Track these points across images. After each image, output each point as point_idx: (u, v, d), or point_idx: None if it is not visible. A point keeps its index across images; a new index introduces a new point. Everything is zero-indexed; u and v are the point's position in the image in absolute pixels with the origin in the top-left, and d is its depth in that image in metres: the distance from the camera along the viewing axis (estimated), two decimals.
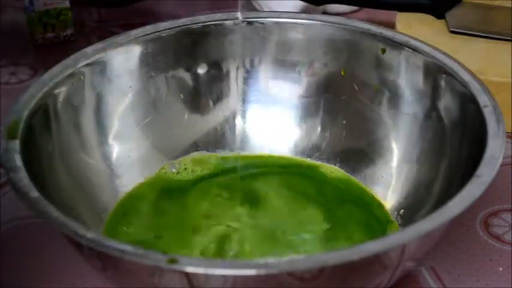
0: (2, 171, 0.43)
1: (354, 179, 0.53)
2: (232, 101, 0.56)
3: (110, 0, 0.78)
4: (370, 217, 0.50)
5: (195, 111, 0.56)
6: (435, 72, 0.51)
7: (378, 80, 0.54)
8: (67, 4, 0.71)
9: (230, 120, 0.56)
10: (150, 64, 0.54)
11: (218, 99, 0.56)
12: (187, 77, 0.55)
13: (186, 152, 0.55)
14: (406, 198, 0.51)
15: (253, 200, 0.52)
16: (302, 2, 0.70)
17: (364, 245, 0.37)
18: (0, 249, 0.50)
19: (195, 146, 0.55)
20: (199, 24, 0.55)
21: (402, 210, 0.50)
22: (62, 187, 0.47)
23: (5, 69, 0.69)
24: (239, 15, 0.55)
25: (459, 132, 0.48)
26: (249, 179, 0.54)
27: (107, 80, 0.52)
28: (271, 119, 0.56)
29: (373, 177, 0.53)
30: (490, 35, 0.65)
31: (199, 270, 0.36)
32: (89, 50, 0.52)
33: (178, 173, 0.54)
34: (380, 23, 0.54)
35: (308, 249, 0.48)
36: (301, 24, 0.55)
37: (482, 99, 0.47)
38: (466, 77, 0.49)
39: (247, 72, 0.56)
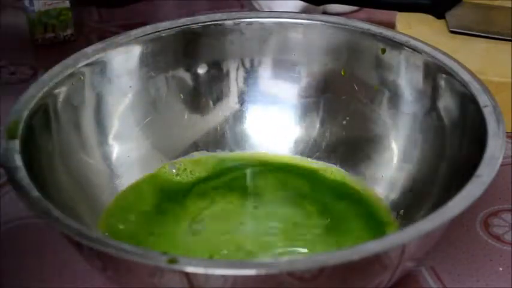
0: (2, 171, 0.43)
1: (353, 179, 0.53)
2: (232, 101, 0.56)
3: (110, 0, 0.78)
4: (369, 216, 0.50)
5: (195, 111, 0.56)
6: (435, 72, 0.51)
7: (378, 80, 0.54)
8: (67, 4, 0.71)
9: (230, 120, 0.56)
10: (150, 64, 0.54)
11: (218, 99, 0.56)
12: (187, 77, 0.55)
13: (186, 152, 0.55)
14: (406, 198, 0.51)
15: (253, 200, 0.52)
16: (302, 2, 0.70)
17: (364, 245, 0.37)
18: (0, 249, 0.50)
19: (195, 146, 0.55)
20: (199, 24, 0.55)
21: (402, 210, 0.50)
22: (62, 187, 0.47)
23: (5, 69, 0.69)
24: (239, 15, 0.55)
25: (459, 132, 0.48)
26: (249, 179, 0.54)
27: (107, 80, 0.52)
28: (271, 119, 0.56)
29: (373, 177, 0.53)
30: (490, 35, 0.65)
31: (199, 270, 0.36)
32: (89, 50, 0.52)
33: (177, 174, 0.54)
34: (380, 23, 0.54)
35: (310, 247, 0.48)
36: (301, 24, 0.55)
37: (482, 99, 0.47)
38: (466, 77, 0.49)
39: (247, 72, 0.56)
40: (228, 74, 0.56)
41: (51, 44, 0.72)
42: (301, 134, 0.56)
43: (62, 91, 0.49)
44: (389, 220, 0.50)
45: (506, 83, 0.60)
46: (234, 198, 0.52)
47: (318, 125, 0.56)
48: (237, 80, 0.56)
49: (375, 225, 0.50)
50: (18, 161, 0.43)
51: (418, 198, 0.50)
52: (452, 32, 0.65)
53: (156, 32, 0.54)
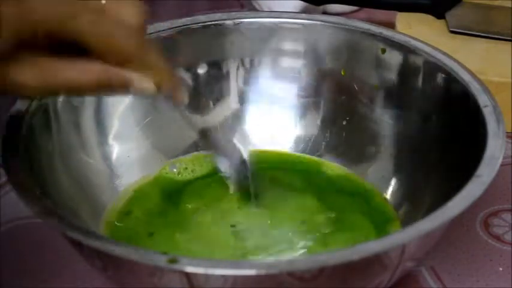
0: (2, 171, 0.43)
1: (354, 177, 0.53)
2: (232, 101, 0.56)
3: None
4: (375, 212, 0.50)
5: (195, 111, 0.56)
6: (435, 72, 0.51)
7: (378, 80, 0.54)
8: None
9: (230, 120, 0.56)
10: None
11: (218, 99, 0.56)
12: (187, 77, 0.55)
13: (186, 151, 0.55)
14: (406, 198, 0.51)
15: (254, 199, 0.52)
16: (302, 2, 0.70)
17: (364, 245, 0.37)
18: (0, 249, 0.50)
19: (195, 146, 0.55)
20: (199, 24, 0.55)
21: (402, 210, 0.50)
22: (62, 187, 0.47)
23: None
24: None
25: (459, 132, 0.48)
26: (250, 178, 0.54)
27: None
28: (271, 119, 0.56)
29: (374, 177, 0.53)
30: (490, 35, 0.65)
31: (199, 270, 0.36)
32: None
33: (179, 173, 0.54)
34: (380, 23, 0.54)
35: (312, 246, 0.48)
36: (301, 24, 0.55)
37: (482, 99, 0.47)
38: (466, 77, 0.49)
39: (247, 72, 0.56)
40: (228, 74, 0.56)
41: None
42: (301, 134, 0.56)
43: None
44: (394, 217, 0.50)
45: (506, 83, 0.60)
46: (235, 197, 0.52)
47: (318, 125, 0.56)
48: (237, 80, 0.56)
49: (382, 222, 0.50)
50: (18, 161, 0.43)
51: (418, 198, 0.50)
52: (452, 32, 0.65)
53: (156, 32, 0.54)
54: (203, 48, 0.55)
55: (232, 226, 0.49)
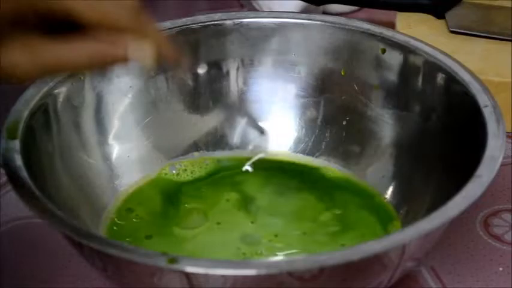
0: (2, 171, 0.43)
1: (354, 177, 0.53)
2: (232, 101, 0.56)
3: None
4: (378, 211, 0.50)
5: (195, 111, 0.56)
6: (435, 72, 0.51)
7: (378, 80, 0.54)
8: None
9: (230, 120, 0.56)
10: None
11: (218, 99, 0.56)
12: (187, 77, 0.55)
13: (186, 152, 0.55)
14: (406, 198, 0.51)
15: (255, 201, 0.52)
16: (302, 2, 0.70)
17: (364, 245, 0.37)
18: (0, 249, 0.50)
19: (195, 146, 0.55)
20: (199, 24, 0.55)
21: (402, 210, 0.50)
22: (62, 187, 0.47)
23: None
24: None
25: (459, 133, 0.48)
26: (249, 179, 0.54)
27: (107, 80, 0.52)
28: (270, 119, 0.56)
29: (373, 177, 0.53)
30: (490, 35, 0.65)
31: (199, 270, 0.36)
32: None
33: (178, 174, 0.54)
34: (380, 23, 0.54)
35: (327, 246, 0.48)
36: (301, 24, 0.55)
37: (482, 99, 0.47)
38: (466, 77, 0.49)
39: (247, 72, 0.56)
40: (228, 74, 0.56)
41: None
42: (301, 134, 0.56)
43: (62, 91, 0.49)
44: (395, 216, 0.50)
45: (506, 83, 0.60)
46: (235, 198, 0.52)
47: (318, 125, 0.56)
48: (237, 80, 0.56)
49: (386, 219, 0.50)
50: (18, 161, 0.43)
51: (418, 198, 0.50)
52: (452, 32, 0.65)
53: None
54: (203, 48, 0.55)
55: (235, 228, 0.49)
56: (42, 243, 0.50)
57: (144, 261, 0.37)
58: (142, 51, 0.37)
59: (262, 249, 0.48)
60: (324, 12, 0.74)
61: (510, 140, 0.60)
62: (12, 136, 0.44)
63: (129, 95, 0.53)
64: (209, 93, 0.56)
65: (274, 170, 0.55)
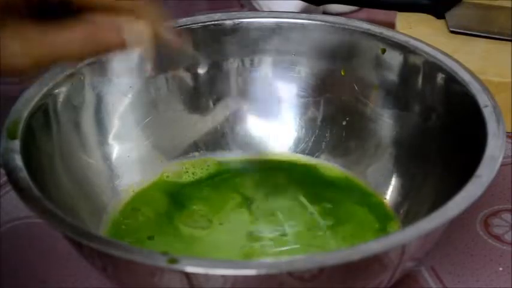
0: (2, 171, 0.43)
1: (354, 177, 0.53)
2: (232, 101, 0.56)
3: None
4: (376, 210, 0.50)
5: (195, 111, 0.56)
6: (435, 72, 0.51)
7: (378, 80, 0.54)
8: None
9: (230, 120, 0.56)
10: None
11: (218, 99, 0.56)
12: (187, 77, 0.55)
13: (186, 152, 0.55)
14: (406, 198, 0.51)
15: (255, 201, 0.52)
16: (302, 2, 0.70)
17: (364, 245, 0.37)
18: (0, 249, 0.50)
19: (195, 146, 0.55)
20: (199, 24, 0.55)
21: (402, 210, 0.50)
22: (62, 187, 0.47)
23: None
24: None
25: (459, 133, 0.48)
26: (249, 179, 0.54)
27: (107, 80, 0.52)
28: (271, 119, 0.56)
29: (373, 177, 0.53)
30: (490, 35, 0.65)
31: (200, 270, 0.36)
32: None
33: (179, 175, 0.54)
34: (380, 23, 0.54)
35: (326, 245, 0.48)
36: (301, 24, 0.55)
37: (482, 99, 0.47)
38: (466, 77, 0.49)
39: (247, 72, 0.56)
40: (228, 74, 0.56)
41: None
42: (301, 134, 0.56)
43: (62, 91, 0.49)
44: (394, 215, 0.50)
45: (506, 83, 0.60)
46: (236, 199, 0.52)
47: (318, 125, 0.56)
48: (237, 80, 0.56)
49: (385, 220, 0.50)
50: (18, 161, 0.43)
51: (417, 198, 0.50)
52: (452, 32, 0.66)
53: None
54: (203, 48, 0.55)
55: (235, 229, 0.49)
56: (42, 243, 0.50)
57: (144, 261, 0.37)
58: (138, 34, 0.36)
59: (267, 249, 0.48)
60: (324, 12, 0.74)
61: (510, 140, 0.60)
62: (12, 136, 0.44)
63: (129, 95, 0.53)
64: (209, 93, 0.56)
65: (274, 170, 0.55)
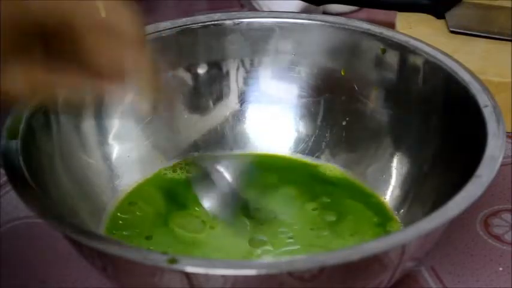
0: (2, 171, 0.43)
1: (353, 178, 0.53)
2: (232, 101, 0.56)
3: None
4: (375, 211, 0.50)
5: (195, 111, 0.56)
6: (435, 72, 0.51)
7: (378, 80, 0.54)
8: None
9: (230, 120, 0.56)
10: None
11: (218, 99, 0.56)
12: (187, 77, 0.55)
13: (186, 152, 0.55)
14: (406, 198, 0.51)
15: (254, 200, 0.52)
16: (302, 2, 0.70)
17: (364, 245, 0.37)
18: (0, 249, 0.50)
19: (195, 146, 0.55)
20: (199, 24, 0.55)
21: (402, 210, 0.50)
22: (62, 187, 0.47)
23: None
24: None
25: (459, 133, 0.48)
26: (248, 179, 0.54)
27: None
28: (271, 119, 0.56)
29: (373, 178, 0.53)
30: (490, 35, 0.65)
31: (200, 270, 0.36)
32: None
33: (178, 175, 0.54)
34: (380, 23, 0.54)
35: (325, 246, 0.48)
36: (301, 24, 0.55)
37: (482, 99, 0.47)
38: (466, 77, 0.49)
39: (247, 72, 0.56)
40: (228, 74, 0.56)
41: None
42: (301, 134, 0.56)
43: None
44: (393, 217, 0.50)
45: (506, 83, 0.60)
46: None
47: (318, 125, 0.56)
48: (237, 80, 0.56)
49: (382, 221, 0.50)
50: (18, 161, 0.43)
51: (417, 199, 0.50)
52: (452, 32, 0.65)
53: (156, 32, 0.54)
54: (203, 48, 0.55)
55: (235, 230, 0.49)
56: (42, 243, 0.50)
57: (144, 261, 0.37)
58: (141, 99, 0.38)
59: (268, 247, 0.48)
60: (324, 12, 0.74)
61: (510, 140, 0.60)
62: (12, 136, 0.44)
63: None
64: (209, 93, 0.56)
65: (274, 169, 0.55)
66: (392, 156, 0.53)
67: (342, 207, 0.51)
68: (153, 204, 0.51)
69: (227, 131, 0.56)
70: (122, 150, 0.53)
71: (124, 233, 0.49)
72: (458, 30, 0.65)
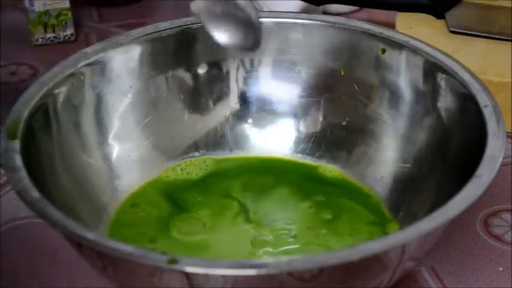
0: (2, 171, 0.43)
1: (353, 178, 0.53)
2: (232, 101, 0.56)
3: (110, 0, 0.78)
4: (373, 212, 0.50)
5: (195, 111, 0.56)
6: (435, 72, 0.51)
7: (378, 80, 0.54)
8: (67, 4, 0.71)
9: (230, 120, 0.56)
10: (150, 64, 0.54)
11: (218, 99, 0.56)
12: (187, 77, 0.55)
13: (186, 152, 0.55)
14: (406, 199, 0.51)
15: (254, 201, 0.52)
16: (302, 2, 0.70)
17: (364, 245, 0.37)
18: (0, 249, 0.50)
19: (195, 146, 0.55)
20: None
21: (402, 211, 0.50)
22: (62, 187, 0.47)
23: (5, 69, 0.69)
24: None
25: (459, 132, 0.48)
26: (249, 180, 0.54)
27: (107, 80, 0.52)
28: (271, 119, 0.56)
29: (373, 178, 0.53)
30: (490, 35, 0.65)
31: (200, 270, 0.36)
32: (89, 50, 0.52)
33: (178, 175, 0.54)
34: (380, 23, 0.54)
35: (324, 246, 0.48)
36: (301, 24, 0.55)
37: (482, 99, 0.47)
38: (466, 77, 0.49)
39: (247, 72, 0.56)
40: (228, 74, 0.56)
41: (51, 44, 0.72)
42: (301, 134, 0.56)
43: (62, 91, 0.49)
44: (391, 218, 0.50)
45: (506, 83, 0.60)
46: (234, 199, 0.52)
47: (317, 125, 0.56)
48: (237, 80, 0.56)
49: (380, 220, 0.50)
50: (18, 161, 0.43)
51: (417, 199, 0.50)
52: (452, 32, 0.65)
53: (156, 32, 0.54)
54: (203, 48, 0.55)
55: (235, 230, 0.49)
56: (42, 243, 0.50)
57: (144, 261, 0.37)
58: None
59: (269, 248, 0.48)
60: (324, 12, 0.74)
61: (510, 140, 0.60)
62: (12, 136, 0.44)
63: (129, 95, 0.53)
64: (209, 93, 0.56)
65: (274, 170, 0.54)
66: (392, 157, 0.53)
67: (340, 207, 0.51)
68: (155, 207, 0.51)
69: (227, 131, 0.56)
70: (122, 150, 0.53)
71: (127, 234, 0.49)
72: (458, 30, 0.65)
